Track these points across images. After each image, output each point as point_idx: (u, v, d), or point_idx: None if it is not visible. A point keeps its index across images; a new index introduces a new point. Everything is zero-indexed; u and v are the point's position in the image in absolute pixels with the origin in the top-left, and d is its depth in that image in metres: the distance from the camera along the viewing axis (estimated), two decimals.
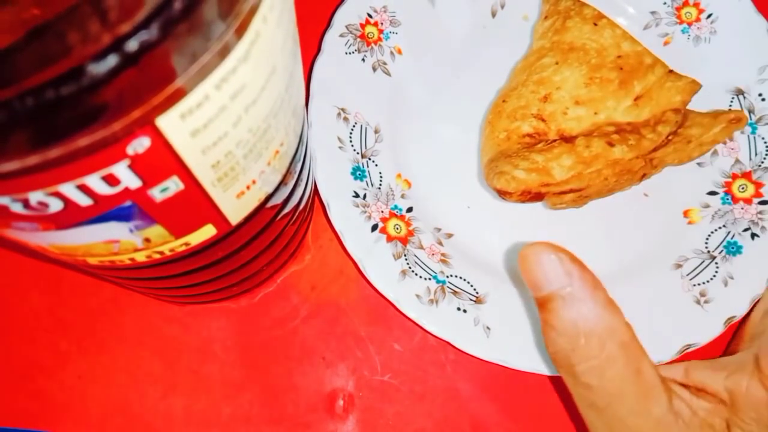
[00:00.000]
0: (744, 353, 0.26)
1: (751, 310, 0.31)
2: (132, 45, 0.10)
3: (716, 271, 0.32)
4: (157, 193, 0.15)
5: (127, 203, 0.15)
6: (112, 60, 0.10)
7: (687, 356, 0.31)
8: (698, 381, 0.26)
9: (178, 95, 0.12)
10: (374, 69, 0.35)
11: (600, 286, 0.23)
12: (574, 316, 0.22)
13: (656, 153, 0.31)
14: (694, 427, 0.24)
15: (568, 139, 0.31)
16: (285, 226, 0.26)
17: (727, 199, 0.34)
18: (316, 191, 0.32)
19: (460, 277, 0.32)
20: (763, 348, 0.24)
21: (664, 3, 0.37)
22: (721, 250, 0.33)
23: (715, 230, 0.34)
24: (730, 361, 0.26)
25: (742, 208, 0.34)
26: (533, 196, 0.31)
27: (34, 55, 0.10)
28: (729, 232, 0.33)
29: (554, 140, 0.32)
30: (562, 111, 0.32)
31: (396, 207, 0.33)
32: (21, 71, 0.10)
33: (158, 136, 0.13)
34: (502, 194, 0.31)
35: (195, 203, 0.17)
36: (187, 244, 0.19)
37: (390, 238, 0.32)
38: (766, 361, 0.24)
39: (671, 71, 0.32)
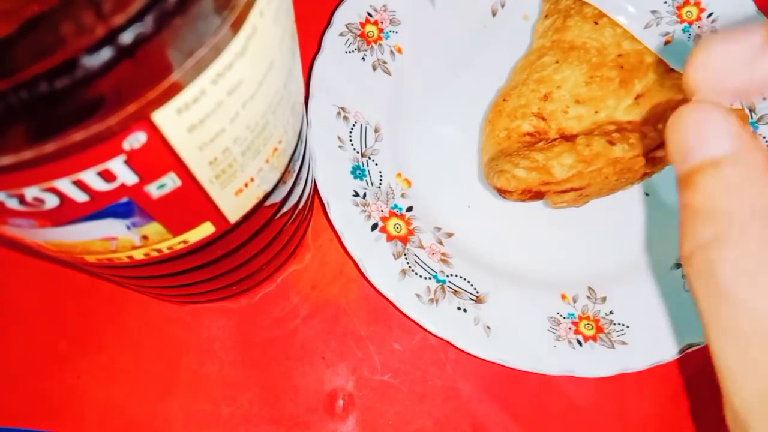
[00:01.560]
0: None
1: None
2: (126, 37, 0.10)
3: None
4: (154, 190, 0.15)
5: (124, 200, 0.15)
6: (106, 53, 0.10)
7: (688, 356, 0.30)
8: None
9: (174, 90, 0.12)
10: (374, 68, 0.35)
11: None
12: (731, 196, 0.16)
13: (657, 152, 0.31)
14: None
15: (568, 138, 0.31)
16: (284, 225, 0.26)
17: None
18: (315, 190, 0.32)
19: (461, 277, 0.32)
20: None
21: (665, 2, 0.37)
22: None
23: None
24: None
25: None
26: (534, 194, 0.31)
27: (28, 47, 0.10)
28: None
29: (555, 139, 0.32)
30: (563, 110, 0.32)
31: (396, 206, 0.33)
32: (15, 63, 0.10)
33: (154, 132, 0.13)
34: (503, 193, 0.31)
35: (193, 200, 0.17)
36: (185, 242, 0.19)
37: (390, 238, 0.32)
38: None
39: (672, 70, 0.32)
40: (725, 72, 0.16)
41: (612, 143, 0.30)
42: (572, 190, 0.30)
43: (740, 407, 0.16)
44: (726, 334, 0.16)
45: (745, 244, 0.16)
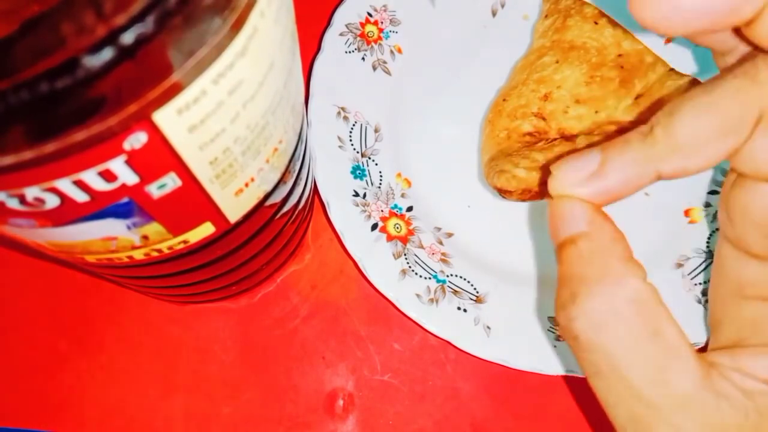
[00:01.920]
0: None
1: None
2: (127, 38, 0.10)
3: None
4: (154, 190, 0.15)
5: (125, 200, 0.15)
6: (107, 53, 0.10)
7: None
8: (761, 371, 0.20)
9: (175, 90, 0.12)
10: (374, 68, 0.35)
11: (622, 240, 0.20)
12: (581, 263, 0.20)
13: None
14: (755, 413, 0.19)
15: (568, 138, 0.31)
16: (284, 225, 0.26)
17: None
18: (315, 190, 0.32)
19: (461, 277, 0.32)
20: None
21: None
22: None
23: (717, 230, 0.33)
24: None
25: None
26: (534, 194, 0.31)
27: (29, 47, 0.10)
28: None
29: (555, 139, 0.32)
30: (563, 110, 0.32)
31: (396, 206, 0.33)
32: (15, 63, 0.10)
33: (155, 132, 0.13)
34: (503, 193, 0.31)
35: (193, 200, 0.17)
36: (185, 242, 0.19)
37: (390, 238, 0.32)
38: None
39: (672, 70, 0.32)
40: (574, 185, 0.20)
41: None
42: None
43: (620, 430, 0.20)
44: (594, 376, 0.20)
45: (592, 302, 0.19)
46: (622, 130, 0.31)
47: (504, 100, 0.33)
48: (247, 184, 0.19)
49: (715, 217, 0.34)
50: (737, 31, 0.20)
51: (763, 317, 0.22)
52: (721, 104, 0.19)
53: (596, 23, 0.33)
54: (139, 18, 0.10)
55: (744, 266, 0.22)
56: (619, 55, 0.32)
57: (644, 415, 0.19)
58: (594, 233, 0.20)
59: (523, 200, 0.31)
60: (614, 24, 0.33)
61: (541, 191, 0.31)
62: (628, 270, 0.20)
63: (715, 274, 0.24)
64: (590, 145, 0.30)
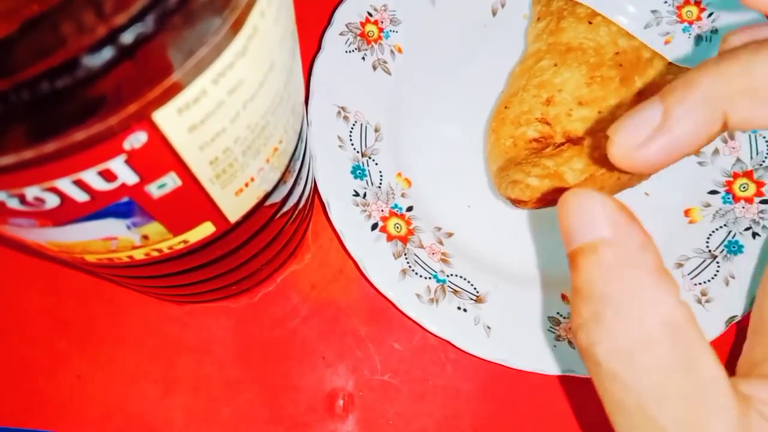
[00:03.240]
0: None
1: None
2: (127, 37, 0.10)
3: (717, 271, 0.32)
4: (154, 190, 0.15)
5: (125, 199, 0.15)
6: (107, 52, 0.10)
7: None
8: None
9: (175, 90, 0.12)
10: (374, 68, 0.35)
11: (651, 246, 0.17)
12: (605, 278, 0.17)
13: None
14: None
15: (575, 141, 0.31)
16: (284, 225, 0.26)
17: (728, 198, 0.34)
18: (315, 190, 0.32)
19: (461, 277, 0.32)
20: None
21: (665, 2, 0.37)
22: (722, 250, 0.33)
23: (716, 229, 0.33)
24: None
25: (744, 208, 0.34)
26: (548, 202, 0.30)
27: (29, 47, 0.10)
28: (730, 232, 0.33)
29: (561, 143, 0.31)
30: (566, 113, 0.32)
31: (396, 206, 0.33)
32: (16, 63, 0.10)
33: (155, 131, 0.13)
34: (517, 203, 0.30)
35: (193, 200, 0.17)
36: (185, 241, 0.19)
37: (390, 237, 0.32)
38: None
39: (671, 63, 0.32)
40: (638, 146, 0.19)
41: None
42: None
43: None
44: (616, 412, 0.17)
45: (619, 325, 0.16)
46: None
47: (506, 107, 0.33)
48: (247, 184, 0.19)
49: (714, 217, 0.34)
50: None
51: None
52: None
53: (590, 23, 0.33)
54: (139, 17, 0.10)
55: None
56: (617, 53, 0.32)
57: None
58: (619, 240, 0.17)
59: (537, 208, 0.30)
60: (608, 22, 0.33)
61: (556, 198, 0.30)
62: (660, 287, 0.17)
63: (766, 281, 0.22)
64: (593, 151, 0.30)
